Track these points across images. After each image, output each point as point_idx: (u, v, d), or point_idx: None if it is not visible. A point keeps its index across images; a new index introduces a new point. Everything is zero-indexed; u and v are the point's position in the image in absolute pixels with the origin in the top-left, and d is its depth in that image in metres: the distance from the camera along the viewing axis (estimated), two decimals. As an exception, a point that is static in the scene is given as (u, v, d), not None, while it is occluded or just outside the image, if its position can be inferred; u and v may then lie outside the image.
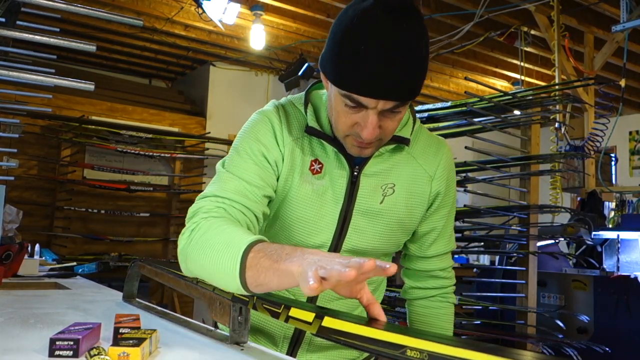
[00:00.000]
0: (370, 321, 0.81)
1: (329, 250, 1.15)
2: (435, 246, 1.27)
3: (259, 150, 1.11)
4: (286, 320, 0.93)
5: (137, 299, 1.48)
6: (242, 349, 1.01)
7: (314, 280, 0.73)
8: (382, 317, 0.82)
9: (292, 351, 1.24)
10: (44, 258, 2.61)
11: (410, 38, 0.95)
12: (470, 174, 3.28)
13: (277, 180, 1.13)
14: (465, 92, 3.40)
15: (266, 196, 1.11)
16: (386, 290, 3.35)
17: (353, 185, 1.13)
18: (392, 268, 0.77)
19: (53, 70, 1.55)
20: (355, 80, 0.96)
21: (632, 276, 3.47)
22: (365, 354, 1.29)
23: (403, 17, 0.95)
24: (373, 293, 1.27)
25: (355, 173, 1.12)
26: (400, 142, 1.13)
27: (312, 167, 1.13)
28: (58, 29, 1.68)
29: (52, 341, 0.89)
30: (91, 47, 1.50)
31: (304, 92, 1.20)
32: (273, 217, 1.18)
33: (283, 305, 0.95)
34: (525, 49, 5.14)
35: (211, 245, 0.95)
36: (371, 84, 0.95)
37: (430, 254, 1.28)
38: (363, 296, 0.83)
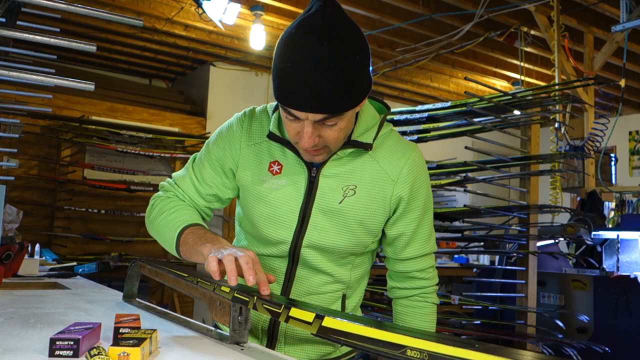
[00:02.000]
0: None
1: (291, 246, 1.24)
2: (409, 249, 1.30)
3: (216, 156, 1.29)
4: (287, 321, 0.94)
5: (137, 299, 1.48)
6: (242, 349, 1.01)
7: (213, 267, 1.05)
8: (266, 291, 1.03)
9: (270, 344, 1.30)
10: (44, 258, 2.61)
11: (327, 55, 1.03)
12: (470, 174, 3.28)
13: (239, 179, 1.28)
14: (465, 92, 3.41)
15: (213, 195, 1.30)
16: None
17: (312, 184, 1.21)
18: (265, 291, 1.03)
19: (53, 70, 1.56)
20: (283, 94, 1.08)
21: (632, 276, 3.47)
22: (343, 348, 1.35)
23: (323, 37, 1.03)
24: (349, 293, 1.33)
25: (313, 174, 1.21)
26: (359, 147, 1.20)
27: (272, 169, 1.24)
28: (58, 29, 1.68)
29: (52, 341, 0.89)
30: (91, 47, 1.50)
31: None
32: (244, 214, 1.31)
33: (283, 306, 0.95)
34: (525, 49, 5.14)
35: (162, 223, 1.27)
36: (293, 98, 1.06)
37: (405, 257, 1.31)
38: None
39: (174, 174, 1.36)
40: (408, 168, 1.23)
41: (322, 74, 1.03)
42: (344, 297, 1.32)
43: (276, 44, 1.12)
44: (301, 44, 1.05)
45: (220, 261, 1.05)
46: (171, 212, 1.26)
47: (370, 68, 1.14)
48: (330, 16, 1.06)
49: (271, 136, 1.23)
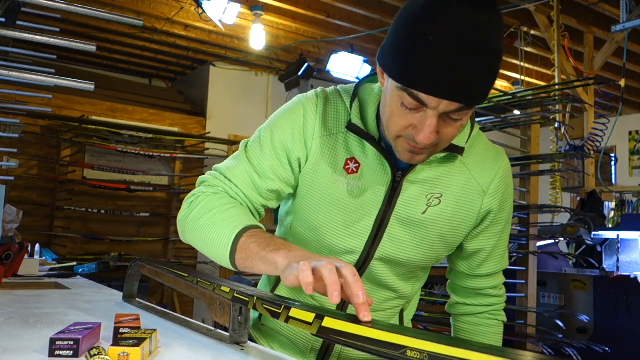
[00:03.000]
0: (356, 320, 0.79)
1: (360, 258, 1.08)
2: (486, 265, 1.17)
3: (280, 141, 1.06)
4: (286, 321, 0.93)
5: (137, 299, 1.48)
6: (242, 349, 1.01)
7: (308, 277, 0.78)
8: (367, 317, 0.78)
9: None
10: (44, 258, 2.61)
11: (488, 32, 0.84)
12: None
13: (298, 176, 1.08)
14: (465, 92, 3.40)
15: (273, 190, 1.07)
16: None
17: (394, 190, 1.04)
18: (367, 317, 0.78)
19: (53, 70, 1.55)
20: (419, 74, 0.85)
21: (632, 276, 3.47)
22: None
23: (482, 7, 0.84)
24: (406, 307, 1.22)
25: (398, 178, 1.03)
26: (454, 151, 1.02)
27: (347, 166, 1.05)
28: (58, 29, 1.68)
29: (52, 341, 0.89)
30: (91, 47, 1.50)
31: (354, 84, 1.10)
32: (302, 216, 1.10)
33: (283, 306, 0.95)
34: (525, 49, 5.14)
35: (208, 223, 1.00)
36: (438, 81, 0.84)
37: (481, 274, 1.18)
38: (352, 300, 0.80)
39: (217, 166, 1.11)
40: (500, 177, 1.08)
41: (483, 55, 0.84)
42: (402, 312, 1.20)
43: (400, 15, 0.90)
44: (460, 14, 0.83)
45: (314, 271, 0.80)
46: (222, 210, 1.00)
47: None
48: None
49: (351, 127, 1.03)
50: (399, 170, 1.03)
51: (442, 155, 1.03)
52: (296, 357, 1.20)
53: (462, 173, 1.06)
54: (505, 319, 1.25)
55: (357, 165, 1.04)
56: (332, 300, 0.76)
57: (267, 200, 1.08)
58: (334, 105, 1.07)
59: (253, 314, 1.24)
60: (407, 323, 1.24)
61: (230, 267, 0.96)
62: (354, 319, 0.82)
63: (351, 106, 1.05)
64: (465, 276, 1.20)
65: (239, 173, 1.07)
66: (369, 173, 1.04)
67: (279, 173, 1.06)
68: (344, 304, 1.10)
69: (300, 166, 1.07)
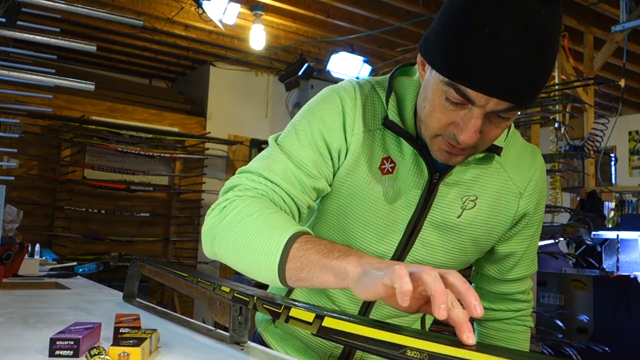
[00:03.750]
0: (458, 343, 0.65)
1: None
2: (517, 269, 1.12)
3: (320, 133, 0.96)
4: (286, 321, 0.93)
5: (137, 299, 1.48)
6: (242, 349, 1.01)
7: (407, 284, 0.63)
8: (472, 339, 0.63)
9: None
10: (44, 258, 2.61)
11: (549, 28, 0.77)
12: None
13: (335, 173, 0.99)
14: (465, 92, 3.41)
15: (317, 189, 0.96)
16: None
17: (430, 193, 0.97)
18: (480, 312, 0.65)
19: (53, 70, 1.55)
20: (469, 68, 0.78)
21: (632, 276, 3.47)
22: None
23: (542, 3, 0.77)
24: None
25: (435, 180, 0.97)
26: (491, 151, 0.96)
27: (383, 166, 0.97)
28: (58, 29, 1.68)
29: (53, 341, 0.89)
30: (91, 47, 1.50)
31: (387, 76, 1.02)
32: (329, 217, 1.04)
33: (283, 306, 0.95)
34: (525, 49, 5.13)
35: (248, 228, 0.83)
36: (489, 77, 0.77)
37: (511, 278, 1.13)
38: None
39: (248, 167, 0.97)
40: (537, 179, 1.04)
41: (535, 52, 0.77)
42: (423, 317, 1.16)
43: (450, 3, 0.83)
44: (511, 3, 0.76)
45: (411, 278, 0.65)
46: (265, 214, 0.85)
47: None
48: None
49: (388, 124, 0.95)
50: (437, 172, 0.97)
51: (481, 155, 0.97)
52: None
53: (499, 174, 1.01)
54: (532, 325, 1.21)
55: (392, 165, 0.97)
56: (439, 315, 0.62)
57: (311, 199, 0.97)
58: (370, 99, 0.99)
59: (265, 317, 1.19)
60: (429, 326, 1.20)
61: (277, 282, 0.80)
62: (355, 319, 0.82)
63: (387, 101, 0.97)
64: (494, 280, 1.15)
65: (279, 170, 0.93)
66: (405, 174, 0.97)
67: (321, 169, 0.96)
68: (366, 309, 1.05)
69: (340, 160, 0.98)
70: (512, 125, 1.02)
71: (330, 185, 1.00)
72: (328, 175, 0.98)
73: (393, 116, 0.95)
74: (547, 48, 0.78)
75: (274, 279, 0.79)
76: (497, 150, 0.96)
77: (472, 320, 1.27)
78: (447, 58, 0.80)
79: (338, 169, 0.98)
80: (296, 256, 0.77)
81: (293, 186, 0.94)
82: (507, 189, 1.01)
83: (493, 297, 1.17)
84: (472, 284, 1.20)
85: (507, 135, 1.00)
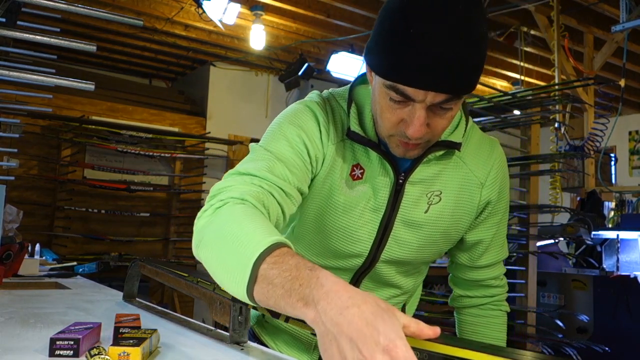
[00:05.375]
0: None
1: (365, 261, 1.08)
2: (486, 256, 1.18)
3: (301, 139, 0.99)
4: (286, 320, 0.93)
5: (137, 299, 1.48)
6: (242, 349, 1.01)
7: None
8: (425, 331, 0.65)
9: None
10: (44, 258, 2.61)
11: (468, 19, 0.83)
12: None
13: (314, 179, 1.04)
14: (465, 92, 3.40)
15: (300, 189, 0.99)
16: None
17: (397, 193, 1.03)
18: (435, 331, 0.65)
19: (53, 70, 1.55)
20: (402, 68, 0.84)
21: (632, 276, 3.47)
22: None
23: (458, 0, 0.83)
24: (408, 301, 1.23)
25: (401, 180, 1.02)
26: (451, 147, 1.02)
27: (353, 172, 1.03)
28: (58, 29, 1.68)
29: (53, 341, 0.89)
30: (91, 47, 1.50)
31: (347, 87, 1.08)
32: (310, 222, 1.09)
33: (283, 305, 0.95)
34: (525, 49, 5.14)
35: (223, 246, 0.80)
36: (420, 73, 0.83)
37: (482, 264, 1.19)
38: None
39: (234, 170, 0.96)
40: (497, 168, 1.09)
41: (463, 43, 0.82)
42: (404, 307, 1.22)
43: (381, 11, 0.89)
44: (438, 4, 0.82)
45: None
46: (242, 228, 0.80)
47: None
48: None
49: (351, 135, 1.01)
50: (401, 173, 1.03)
51: (441, 152, 1.02)
52: (300, 355, 1.20)
53: (460, 168, 1.06)
54: (508, 309, 1.25)
55: (362, 171, 1.03)
56: None
57: (298, 196, 0.98)
58: (337, 112, 1.05)
59: (257, 312, 1.24)
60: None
61: (247, 301, 0.75)
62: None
63: (349, 112, 1.03)
64: (466, 268, 1.21)
65: (267, 167, 0.94)
66: (373, 178, 1.03)
67: (303, 172, 0.99)
68: None
69: (317, 167, 1.03)
70: (471, 120, 1.09)
71: (308, 190, 1.04)
72: (308, 179, 1.02)
73: (355, 127, 1.01)
74: (471, 38, 0.83)
75: (244, 299, 0.76)
76: (456, 146, 1.02)
77: (449, 315, 1.30)
78: (383, 62, 0.87)
79: (315, 176, 1.04)
80: (263, 278, 0.72)
81: (285, 181, 0.95)
82: (468, 181, 1.07)
83: (468, 285, 1.23)
84: (450, 275, 1.28)
85: (465, 131, 1.05)
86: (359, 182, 1.03)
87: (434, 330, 0.65)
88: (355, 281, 1.12)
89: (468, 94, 0.91)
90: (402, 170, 1.03)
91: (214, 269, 0.82)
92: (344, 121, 1.04)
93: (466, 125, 1.06)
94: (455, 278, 1.26)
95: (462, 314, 1.26)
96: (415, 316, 1.24)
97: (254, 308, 0.89)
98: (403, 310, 1.21)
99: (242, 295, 0.75)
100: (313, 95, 1.08)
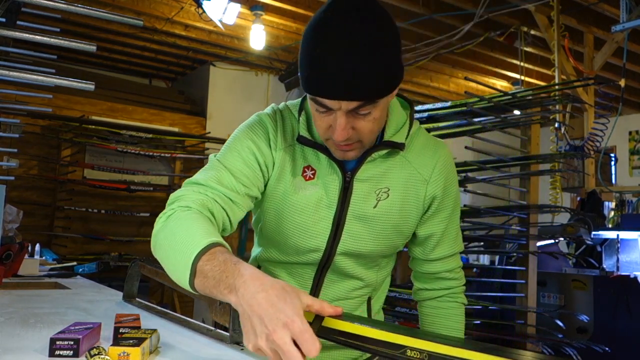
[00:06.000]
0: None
1: (324, 255, 1.16)
2: (438, 249, 1.26)
3: (249, 150, 1.12)
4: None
5: (137, 299, 1.48)
6: (242, 349, 1.01)
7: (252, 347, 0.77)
8: (327, 309, 0.80)
9: None
10: (44, 258, 2.61)
11: (364, 38, 0.95)
12: (470, 174, 3.28)
13: (267, 183, 1.15)
14: (465, 92, 3.41)
15: (249, 195, 1.11)
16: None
17: (346, 190, 1.13)
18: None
19: (53, 70, 1.56)
20: (315, 82, 0.99)
21: (632, 276, 3.47)
22: (367, 355, 1.29)
23: (357, 18, 0.96)
24: (373, 295, 1.29)
25: (348, 179, 1.13)
26: (394, 147, 1.13)
27: (305, 174, 1.15)
28: (58, 29, 1.68)
29: (53, 341, 0.89)
30: (91, 47, 1.50)
31: (300, 99, 1.20)
32: (269, 222, 1.19)
33: (283, 305, 0.95)
34: (525, 49, 5.14)
35: (172, 246, 0.94)
36: (327, 85, 0.97)
37: (434, 257, 1.27)
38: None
39: (191, 179, 1.10)
40: (440, 166, 1.19)
41: (357, 57, 0.95)
42: (369, 300, 1.29)
43: (303, 33, 1.03)
44: (333, 26, 0.97)
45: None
46: (184, 226, 0.96)
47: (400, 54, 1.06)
48: None
49: (300, 139, 1.13)
50: (348, 171, 1.13)
51: (384, 152, 1.14)
52: None
53: (405, 167, 1.17)
54: (465, 302, 1.33)
55: (313, 172, 1.14)
56: None
57: (246, 203, 1.11)
58: (288, 120, 1.17)
59: None
60: (377, 310, 1.32)
61: (192, 291, 0.91)
62: (355, 319, 0.82)
63: (299, 119, 1.15)
64: (421, 261, 1.30)
65: (215, 177, 1.08)
66: (324, 177, 1.14)
67: (252, 179, 1.11)
68: (314, 292, 1.20)
69: (268, 172, 1.15)
70: (417, 124, 1.20)
71: (263, 193, 1.17)
72: (259, 185, 1.13)
73: (304, 132, 1.13)
74: (369, 52, 0.95)
75: (190, 290, 0.90)
76: (398, 146, 1.14)
77: (404, 301, 1.37)
78: (304, 79, 1.01)
79: (268, 179, 1.15)
80: (201, 272, 0.87)
81: (231, 190, 1.08)
82: (414, 178, 1.17)
83: (425, 278, 1.33)
84: (415, 271, 1.36)
85: (408, 134, 1.16)
86: (311, 182, 1.14)
87: (335, 309, 0.80)
88: (320, 274, 1.20)
89: (379, 99, 1.00)
90: (348, 169, 1.14)
91: (166, 266, 0.97)
92: (295, 128, 1.16)
93: (410, 128, 1.17)
94: (414, 272, 1.35)
95: (422, 307, 1.35)
96: (412, 316, 1.31)
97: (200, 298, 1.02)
98: (368, 303, 1.28)
99: (187, 287, 0.90)
100: (268, 107, 1.21)
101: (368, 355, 1.28)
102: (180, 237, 0.93)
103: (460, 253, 1.34)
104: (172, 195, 1.07)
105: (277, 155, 1.14)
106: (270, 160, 1.14)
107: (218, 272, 0.85)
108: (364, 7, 0.98)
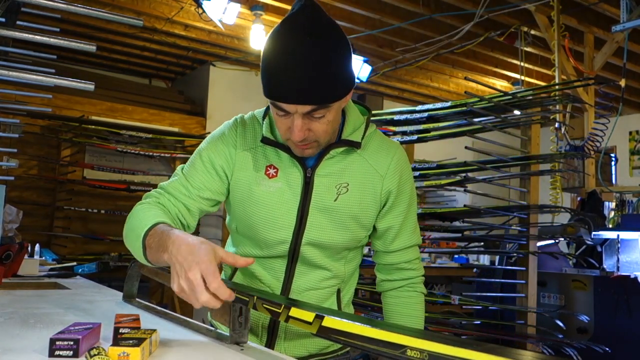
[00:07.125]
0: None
1: (291, 245, 1.27)
2: (397, 241, 1.37)
3: (209, 159, 1.29)
4: (286, 320, 0.94)
5: (137, 299, 1.48)
6: (242, 349, 1.01)
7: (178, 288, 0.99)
8: (239, 261, 1.04)
9: (270, 341, 1.33)
10: (44, 258, 2.61)
11: (310, 50, 1.10)
12: (470, 174, 3.28)
13: (230, 184, 1.30)
14: (465, 92, 3.41)
15: (202, 197, 1.28)
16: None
17: (308, 185, 1.26)
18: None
19: (53, 70, 1.56)
20: (272, 90, 1.13)
21: (632, 276, 3.47)
22: (338, 345, 1.38)
23: (305, 34, 1.10)
24: (343, 287, 1.40)
25: (309, 174, 1.25)
26: (350, 146, 1.26)
27: (268, 172, 1.27)
28: (58, 29, 1.68)
29: (52, 341, 0.89)
30: (91, 47, 1.50)
31: (265, 107, 1.33)
32: (240, 218, 1.32)
33: (283, 305, 0.95)
34: (525, 49, 5.13)
35: (130, 229, 1.19)
36: (282, 92, 1.12)
37: (394, 249, 1.38)
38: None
39: (161, 184, 1.32)
40: (395, 163, 1.31)
41: (307, 67, 1.09)
42: (338, 292, 1.38)
43: (263, 45, 1.17)
44: (286, 41, 1.11)
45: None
46: (138, 217, 1.21)
47: (352, 65, 1.20)
48: (310, 15, 1.13)
49: (265, 140, 1.27)
50: (309, 168, 1.26)
51: (342, 149, 1.26)
52: (250, 338, 1.23)
53: (362, 164, 1.29)
54: (425, 292, 1.44)
55: (275, 170, 1.27)
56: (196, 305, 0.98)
57: (198, 203, 1.28)
58: (251, 125, 1.32)
59: None
60: (347, 303, 1.42)
61: (147, 263, 1.15)
62: (355, 319, 0.82)
63: (263, 123, 1.30)
64: (382, 253, 1.41)
65: (174, 185, 1.29)
66: (286, 174, 1.27)
67: (209, 184, 1.28)
68: (286, 282, 1.31)
69: (227, 176, 1.29)
70: (373, 126, 1.33)
71: (229, 193, 1.32)
72: (218, 187, 1.29)
73: (267, 134, 1.28)
74: (320, 62, 1.10)
75: (145, 262, 1.14)
76: (355, 144, 1.27)
77: (378, 293, 1.49)
78: (265, 86, 1.16)
79: (230, 181, 1.30)
80: (148, 245, 1.11)
81: (182, 194, 1.27)
82: (371, 174, 1.29)
83: (386, 269, 1.43)
84: (375, 264, 1.47)
85: (364, 135, 1.29)
86: (274, 180, 1.27)
87: (247, 261, 1.04)
88: (290, 266, 1.31)
89: (330, 103, 1.14)
90: (309, 165, 1.26)
91: (131, 250, 1.18)
92: (258, 132, 1.30)
93: (365, 130, 1.30)
94: (377, 265, 1.45)
95: (385, 297, 1.45)
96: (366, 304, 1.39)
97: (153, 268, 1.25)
98: (338, 295, 1.37)
99: (145, 261, 1.14)
100: (233, 118, 1.36)
101: (339, 345, 1.38)
102: (136, 223, 1.17)
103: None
104: (146, 195, 1.30)
105: (237, 158, 1.29)
106: (228, 165, 1.29)
107: (157, 241, 1.07)
108: (308, 24, 1.12)
